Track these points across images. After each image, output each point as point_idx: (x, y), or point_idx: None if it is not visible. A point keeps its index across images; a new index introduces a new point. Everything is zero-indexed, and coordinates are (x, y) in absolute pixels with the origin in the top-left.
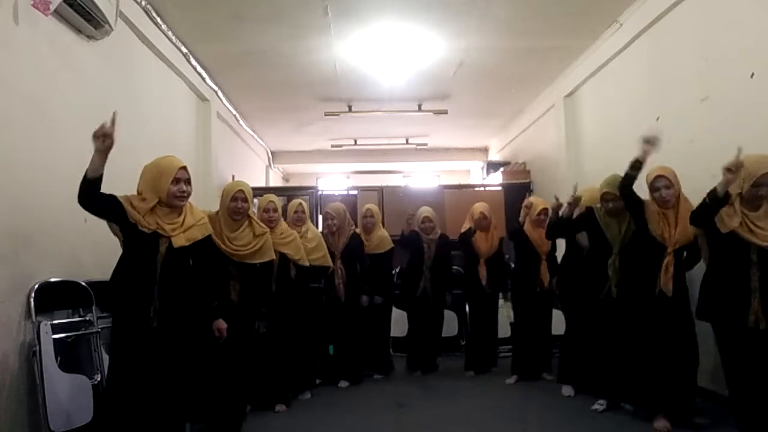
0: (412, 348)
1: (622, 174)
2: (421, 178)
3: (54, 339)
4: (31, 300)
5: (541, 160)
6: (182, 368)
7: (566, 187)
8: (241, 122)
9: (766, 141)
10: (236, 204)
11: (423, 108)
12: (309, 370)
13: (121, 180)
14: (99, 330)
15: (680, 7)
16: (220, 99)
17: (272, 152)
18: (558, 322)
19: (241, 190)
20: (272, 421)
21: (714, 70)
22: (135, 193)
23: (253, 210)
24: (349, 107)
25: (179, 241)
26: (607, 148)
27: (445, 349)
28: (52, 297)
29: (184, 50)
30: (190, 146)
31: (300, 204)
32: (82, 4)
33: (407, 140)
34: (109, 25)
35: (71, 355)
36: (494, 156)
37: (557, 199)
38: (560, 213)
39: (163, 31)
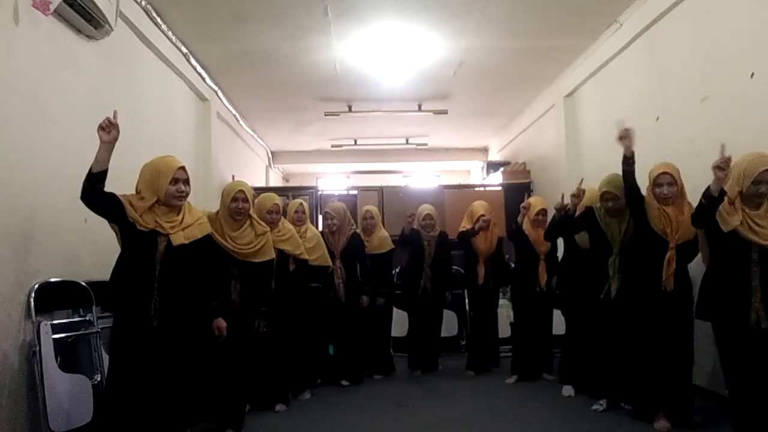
0: (413, 348)
1: (621, 173)
2: (421, 178)
3: (54, 339)
4: (31, 300)
5: (541, 160)
6: (182, 368)
7: (566, 187)
8: (241, 122)
9: (766, 141)
10: (237, 204)
11: (423, 108)
12: (309, 369)
13: (121, 179)
14: (99, 330)
15: (680, 7)
16: (220, 99)
17: (272, 152)
18: (559, 322)
19: (242, 191)
20: (272, 420)
21: (714, 70)
22: (134, 192)
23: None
24: (349, 107)
25: (178, 239)
26: (607, 148)
27: (445, 349)
28: (52, 297)
29: (184, 50)
30: (190, 146)
31: (300, 204)
32: (82, 4)
33: (407, 140)
34: (109, 25)
35: (71, 355)
36: (494, 156)
37: (563, 198)
38: (566, 208)
39: (163, 31)
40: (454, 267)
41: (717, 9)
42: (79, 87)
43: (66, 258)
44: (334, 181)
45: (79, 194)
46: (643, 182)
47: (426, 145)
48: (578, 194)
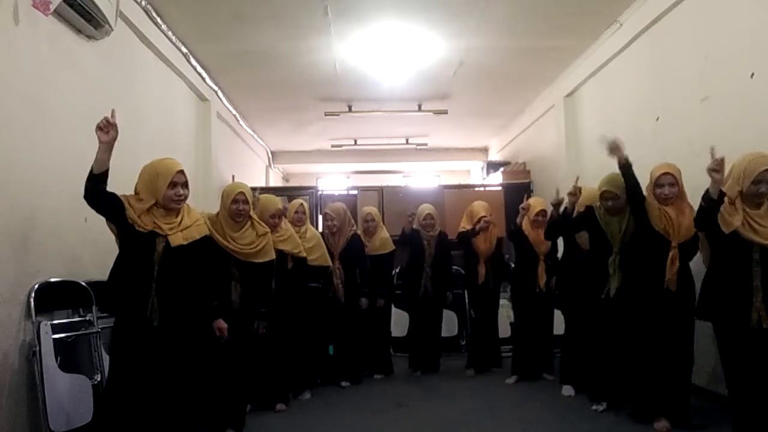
0: (414, 348)
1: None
2: (421, 178)
3: (54, 339)
4: (31, 300)
5: (541, 160)
6: (183, 368)
7: (566, 187)
8: (241, 122)
9: (766, 141)
10: (237, 206)
11: (423, 108)
12: (309, 369)
13: (120, 179)
14: (99, 330)
15: (680, 7)
16: (220, 99)
17: (272, 152)
18: (560, 322)
19: (242, 192)
20: (272, 420)
21: (714, 70)
22: (133, 192)
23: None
24: (349, 107)
25: (176, 240)
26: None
27: (446, 349)
28: (52, 297)
29: (184, 50)
30: (189, 146)
31: (301, 204)
32: (82, 4)
33: (407, 140)
34: (109, 25)
35: (71, 355)
36: (494, 156)
37: (558, 193)
38: (563, 206)
39: (163, 31)
40: (454, 267)
41: (717, 9)
42: (79, 87)
43: (66, 258)
44: (334, 181)
45: (82, 194)
46: (643, 182)
47: (426, 145)
48: (575, 192)
